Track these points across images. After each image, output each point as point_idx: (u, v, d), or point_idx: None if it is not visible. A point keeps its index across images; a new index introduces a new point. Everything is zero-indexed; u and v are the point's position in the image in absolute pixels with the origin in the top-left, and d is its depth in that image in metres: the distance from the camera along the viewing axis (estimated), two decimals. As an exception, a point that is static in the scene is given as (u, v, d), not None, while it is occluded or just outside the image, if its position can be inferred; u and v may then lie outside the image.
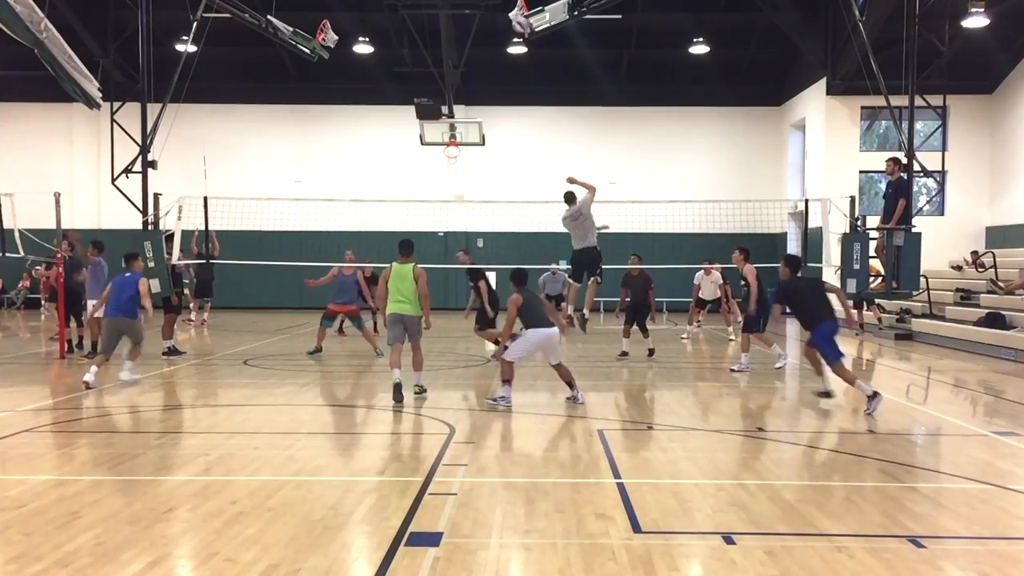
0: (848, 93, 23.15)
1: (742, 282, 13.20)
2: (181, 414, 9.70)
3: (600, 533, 5.29)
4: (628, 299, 14.86)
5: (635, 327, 14.89)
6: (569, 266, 13.04)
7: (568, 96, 27.52)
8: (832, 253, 15.85)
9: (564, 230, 12.69)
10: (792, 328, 21.97)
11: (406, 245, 10.51)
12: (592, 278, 12.48)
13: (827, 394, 10.13)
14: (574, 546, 5.06)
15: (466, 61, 23.31)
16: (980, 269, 20.22)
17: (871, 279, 15.98)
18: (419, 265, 10.27)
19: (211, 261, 17.46)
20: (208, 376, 12.62)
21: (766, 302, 12.66)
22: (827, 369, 9.96)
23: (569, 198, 12.35)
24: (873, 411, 9.17)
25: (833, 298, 10.19)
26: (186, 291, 19.75)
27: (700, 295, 18.78)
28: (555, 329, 9.91)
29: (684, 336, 18.72)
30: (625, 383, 12.25)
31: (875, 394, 9.30)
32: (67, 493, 6.11)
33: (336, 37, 19.17)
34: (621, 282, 15.00)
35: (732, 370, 13.00)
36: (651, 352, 14.70)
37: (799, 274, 10.57)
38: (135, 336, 11.45)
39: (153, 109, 15.63)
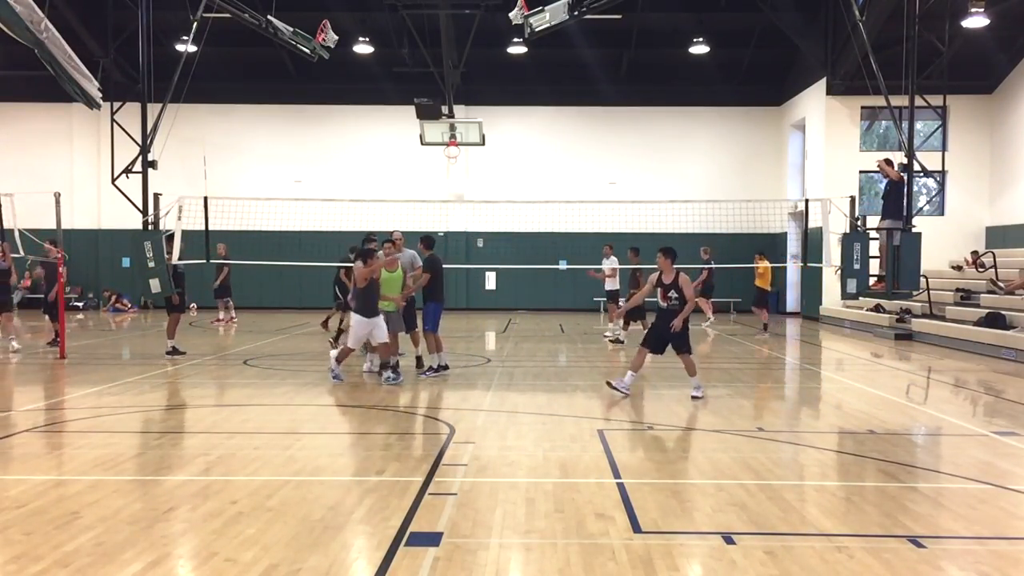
0: (848, 93, 23.14)
1: (673, 294, 10.23)
2: (181, 414, 9.70)
3: (600, 533, 5.29)
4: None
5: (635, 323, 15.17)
6: (569, 266, 13.30)
7: (568, 96, 27.51)
8: (832, 253, 15.84)
9: (564, 230, 12.79)
10: (791, 328, 22.00)
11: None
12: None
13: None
14: (574, 546, 5.06)
15: (466, 61, 23.29)
16: (980, 269, 20.21)
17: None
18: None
19: (210, 261, 17.46)
20: (208, 376, 12.62)
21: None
22: None
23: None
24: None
25: None
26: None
27: None
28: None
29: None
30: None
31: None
32: (67, 493, 6.11)
33: (336, 37, 19.15)
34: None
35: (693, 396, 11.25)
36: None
37: None
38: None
39: (153, 109, 15.61)
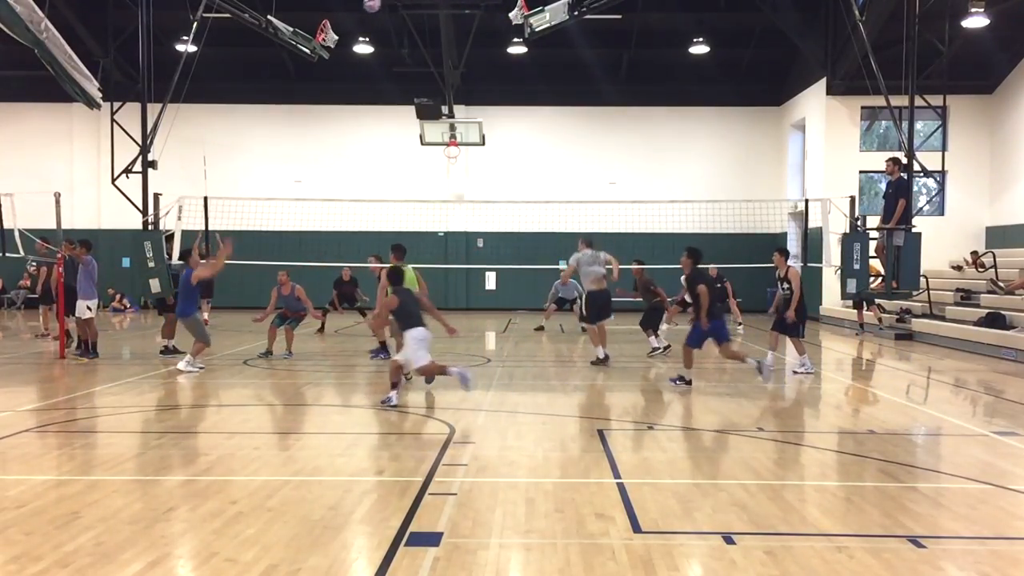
0: (848, 93, 23.14)
1: (785, 285, 12.68)
2: (181, 414, 9.70)
3: (600, 533, 5.29)
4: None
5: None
6: (568, 265, 13.51)
7: (568, 96, 27.52)
8: (832, 253, 15.85)
9: (564, 230, 12.86)
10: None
11: (400, 249, 10.48)
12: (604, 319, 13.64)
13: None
14: (574, 546, 5.06)
15: (466, 61, 23.30)
16: (980, 269, 20.22)
17: (871, 279, 15.99)
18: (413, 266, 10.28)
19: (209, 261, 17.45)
20: (208, 376, 12.62)
21: (804, 307, 12.91)
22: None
23: (591, 242, 13.38)
24: (768, 377, 11.05)
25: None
26: None
27: None
28: (425, 329, 9.84)
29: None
30: (625, 383, 12.24)
31: (759, 363, 10.98)
32: (67, 493, 6.11)
33: (336, 37, 19.17)
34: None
35: (795, 372, 12.72)
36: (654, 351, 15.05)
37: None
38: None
39: (153, 109, 15.62)
